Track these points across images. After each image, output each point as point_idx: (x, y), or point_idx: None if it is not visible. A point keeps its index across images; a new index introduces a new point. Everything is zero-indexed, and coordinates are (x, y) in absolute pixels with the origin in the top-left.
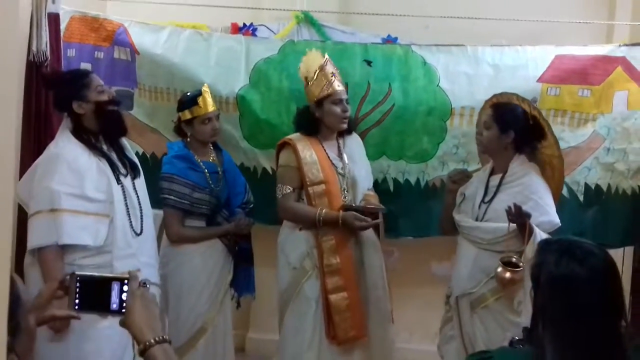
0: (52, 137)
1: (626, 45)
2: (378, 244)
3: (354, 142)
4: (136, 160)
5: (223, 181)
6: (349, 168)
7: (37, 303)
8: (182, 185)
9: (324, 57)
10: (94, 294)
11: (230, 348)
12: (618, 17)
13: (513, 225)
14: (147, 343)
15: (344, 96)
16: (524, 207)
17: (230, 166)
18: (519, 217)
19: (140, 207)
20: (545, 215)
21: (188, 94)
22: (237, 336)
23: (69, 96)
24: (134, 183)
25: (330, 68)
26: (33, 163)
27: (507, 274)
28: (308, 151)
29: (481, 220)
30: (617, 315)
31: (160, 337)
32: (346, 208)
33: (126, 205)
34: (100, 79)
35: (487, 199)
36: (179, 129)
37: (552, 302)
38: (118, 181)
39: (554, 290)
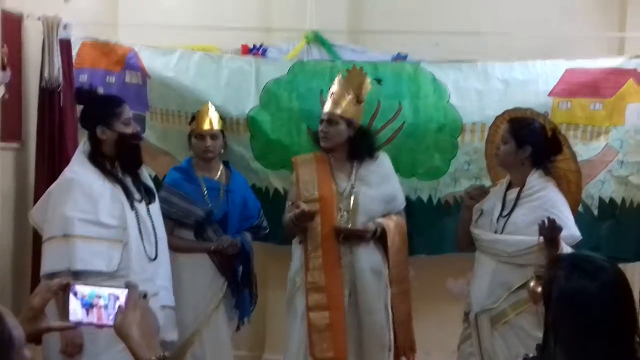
0: (66, 163)
1: (637, 57)
2: (381, 270)
3: (374, 166)
4: (151, 185)
5: (224, 200)
6: (356, 190)
7: (29, 315)
8: (173, 195)
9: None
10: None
11: None
12: (629, 29)
13: (540, 238)
14: None
15: (325, 117)
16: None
17: (240, 188)
18: (552, 231)
19: (155, 232)
20: (566, 229)
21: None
22: (253, 357)
23: (96, 119)
24: (148, 208)
25: (333, 88)
26: (46, 187)
27: (540, 289)
28: (309, 169)
29: (501, 234)
30: (630, 330)
31: (161, 355)
32: (335, 229)
33: (140, 230)
34: (130, 112)
35: (505, 212)
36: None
37: (563, 318)
38: (132, 207)
39: (565, 305)
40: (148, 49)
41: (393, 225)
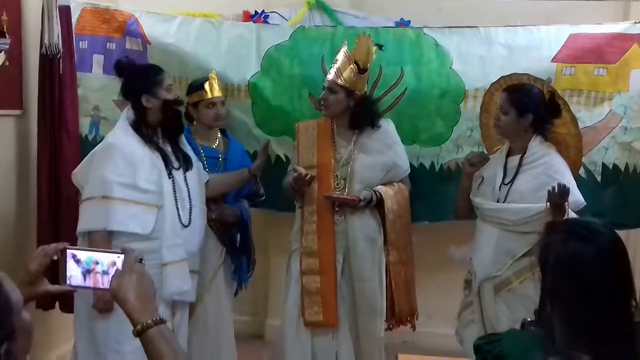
0: (67, 129)
1: None
2: (376, 238)
3: (376, 134)
4: (190, 153)
5: (222, 168)
6: (353, 158)
7: (27, 279)
8: None
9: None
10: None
11: (228, 333)
12: None
13: (543, 205)
14: (145, 324)
15: (325, 84)
16: (548, 187)
17: (237, 155)
18: (562, 197)
19: (190, 199)
20: (571, 195)
21: (198, 79)
22: (256, 323)
23: (140, 89)
24: (185, 176)
25: (337, 56)
26: (49, 155)
27: None
28: (310, 135)
29: (504, 202)
30: (627, 294)
31: (158, 318)
32: (324, 197)
33: (175, 197)
34: (169, 79)
35: (507, 180)
36: (187, 113)
37: (559, 283)
38: (170, 175)
39: (561, 270)
40: (148, 15)
41: (392, 193)
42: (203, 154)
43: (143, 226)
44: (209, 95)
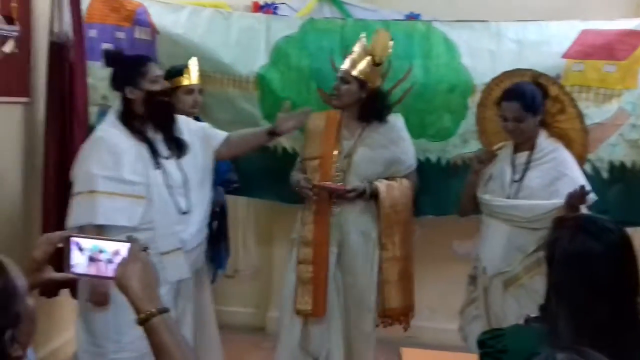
0: (77, 117)
1: None
2: (370, 232)
3: (383, 129)
4: (186, 138)
5: None
6: (355, 151)
7: (31, 266)
8: None
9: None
10: (91, 257)
11: (209, 321)
12: None
13: (557, 202)
14: (148, 313)
15: (339, 74)
16: (559, 183)
17: None
18: (582, 200)
19: (188, 185)
20: None
21: (176, 65)
22: (257, 315)
23: (124, 80)
24: (180, 162)
25: (354, 47)
26: (57, 144)
27: None
28: (317, 126)
29: (514, 199)
30: (633, 291)
31: (161, 307)
32: (314, 186)
33: (167, 186)
34: (158, 69)
35: (516, 177)
36: None
37: (566, 279)
38: (158, 165)
39: (568, 266)
40: (157, 4)
41: (385, 188)
42: None
43: (130, 218)
44: (188, 82)
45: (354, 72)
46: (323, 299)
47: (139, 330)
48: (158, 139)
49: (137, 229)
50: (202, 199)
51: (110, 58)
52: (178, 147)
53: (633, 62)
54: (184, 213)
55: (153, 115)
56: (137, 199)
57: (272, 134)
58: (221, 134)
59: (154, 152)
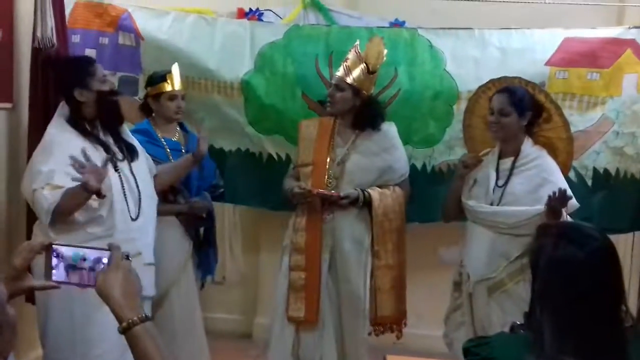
0: None
1: (636, 27)
2: (362, 240)
3: (376, 136)
4: (134, 142)
5: None
6: (348, 158)
7: (11, 274)
8: None
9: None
10: (73, 265)
11: (197, 327)
12: None
13: (540, 208)
14: (130, 322)
15: (333, 81)
16: (542, 190)
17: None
18: (562, 202)
19: (139, 190)
20: None
21: (159, 72)
22: (244, 321)
23: (72, 82)
24: (131, 166)
25: (348, 54)
26: None
27: None
28: (310, 133)
29: (497, 205)
30: (617, 299)
31: (143, 315)
32: (307, 191)
33: (123, 190)
34: (103, 69)
35: (500, 182)
36: (145, 106)
37: (550, 286)
38: (115, 168)
39: (552, 274)
40: (142, 10)
41: (378, 195)
42: (166, 147)
43: (86, 212)
44: (171, 88)
45: (349, 80)
46: (316, 306)
47: (107, 343)
48: (109, 141)
49: (100, 236)
50: (153, 207)
51: (55, 64)
52: (128, 150)
53: (617, 69)
54: (134, 219)
55: (104, 116)
56: (94, 201)
57: (196, 157)
58: (153, 169)
59: (109, 154)
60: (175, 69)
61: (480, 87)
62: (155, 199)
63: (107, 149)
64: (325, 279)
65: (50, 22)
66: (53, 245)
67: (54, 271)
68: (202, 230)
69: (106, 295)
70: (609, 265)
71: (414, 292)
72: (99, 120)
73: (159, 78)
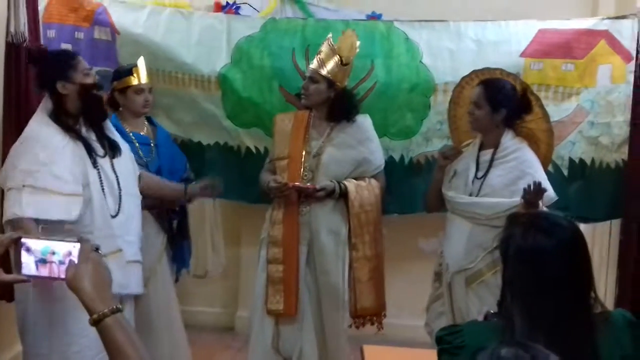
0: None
1: (609, 18)
2: (339, 232)
3: (351, 129)
4: (117, 139)
5: (155, 154)
6: (323, 151)
7: None
8: None
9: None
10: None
11: (176, 319)
12: None
13: (517, 200)
14: (101, 313)
15: (308, 74)
16: (521, 182)
17: (166, 142)
18: (537, 195)
19: (120, 187)
20: None
21: (125, 65)
22: (226, 315)
23: (54, 75)
24: (112, 163)
25: (321, 47)
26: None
27: None
28: (285, 126)
29: (476, 196)
30: (586, 287)
31: (114, 307)
32: (283, 184)
33: (102, 187)
34: (86, 63)
35: (480, 174)
36: (112, 100)
37: (519, 275)
38: (95, 164)
39: (521, 262)
40: (117, 4)
41: (354, 187)
42: (135, 141)
43: (67, 214)
44: (138, 82)
45: (323, 72)
46: (294, 299)
47: (86, 339)
48: (92, 137)
49: (80, 232)
50: (135, 204)
51: (37, 57)
52: (111, 147)
53: (591, 60)
54: (114, 216)
55: (88, 110)
56: (74, 197)
57: (188, 196)
58: (136, 169)
59: (91, 151)
60: (141, 62)
61: (463, 78)
62: (138, 196)
63: (87, 145)
64: (304, 271)
65: (23, 17)
66: (22, 239)
67: (23, 265)
68: (175, 223)
69: (76, 287)
70: (578, 253)
71: (393, 283)
72: (83, 115)
73: (125, 72)
